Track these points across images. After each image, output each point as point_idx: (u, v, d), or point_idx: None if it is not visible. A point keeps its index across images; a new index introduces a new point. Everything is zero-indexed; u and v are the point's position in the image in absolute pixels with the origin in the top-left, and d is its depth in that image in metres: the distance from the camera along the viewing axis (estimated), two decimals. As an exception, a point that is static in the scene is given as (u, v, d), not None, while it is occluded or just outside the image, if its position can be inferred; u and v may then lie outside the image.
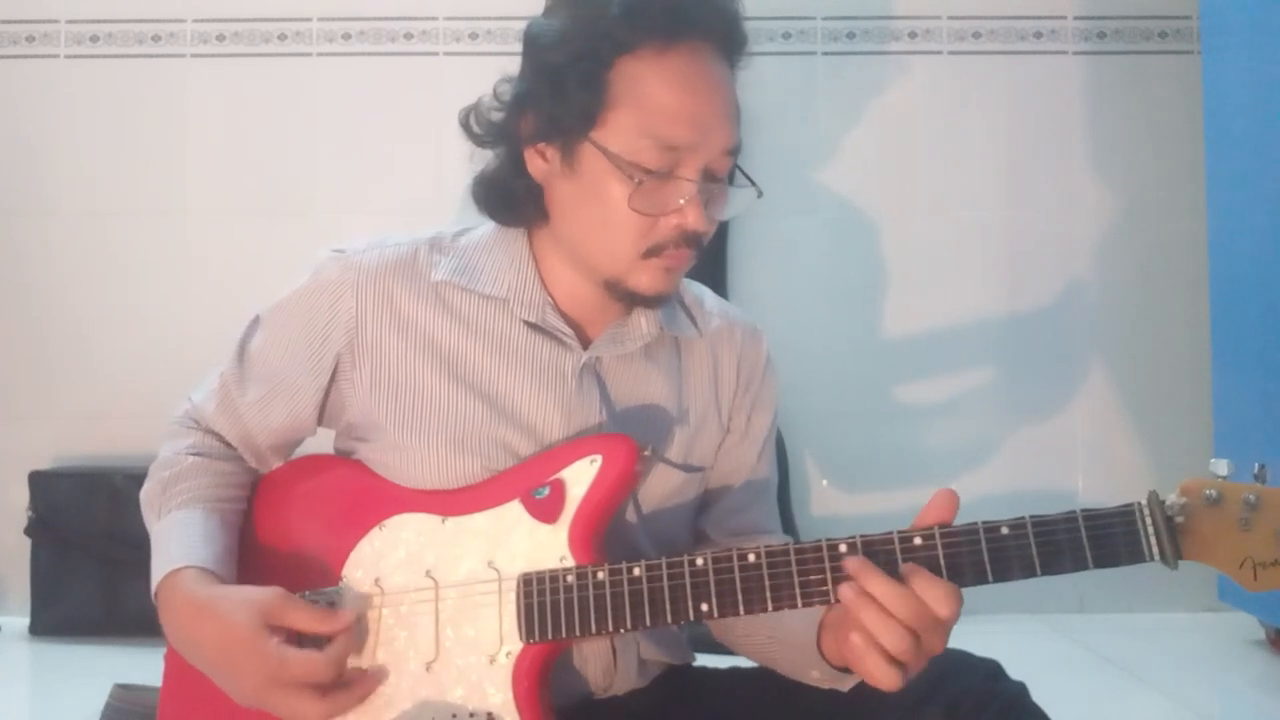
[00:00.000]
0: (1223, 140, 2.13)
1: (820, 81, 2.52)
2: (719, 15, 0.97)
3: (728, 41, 0.98)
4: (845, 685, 0.94)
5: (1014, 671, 0.97)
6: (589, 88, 0.94)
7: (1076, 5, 2.52)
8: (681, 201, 0.95)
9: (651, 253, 0.97)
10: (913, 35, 2.52)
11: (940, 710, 0.93)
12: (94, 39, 2.49)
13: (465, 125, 1.05)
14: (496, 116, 1.03)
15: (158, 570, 0.97)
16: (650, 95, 0.93)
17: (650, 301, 1.01)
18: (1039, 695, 0.96)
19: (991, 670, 0.97)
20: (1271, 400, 1.95)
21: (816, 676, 0.95)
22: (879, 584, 0.82)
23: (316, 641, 0.92)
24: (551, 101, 0.96)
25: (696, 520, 1.12)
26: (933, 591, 0.82)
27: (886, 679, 0.82)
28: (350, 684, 0.92)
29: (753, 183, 1.01)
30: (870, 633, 0.82)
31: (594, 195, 0.96)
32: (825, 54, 2.52)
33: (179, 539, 0.98)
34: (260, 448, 1.09)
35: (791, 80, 2.51)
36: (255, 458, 1.09)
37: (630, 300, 1.01)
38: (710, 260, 2.39)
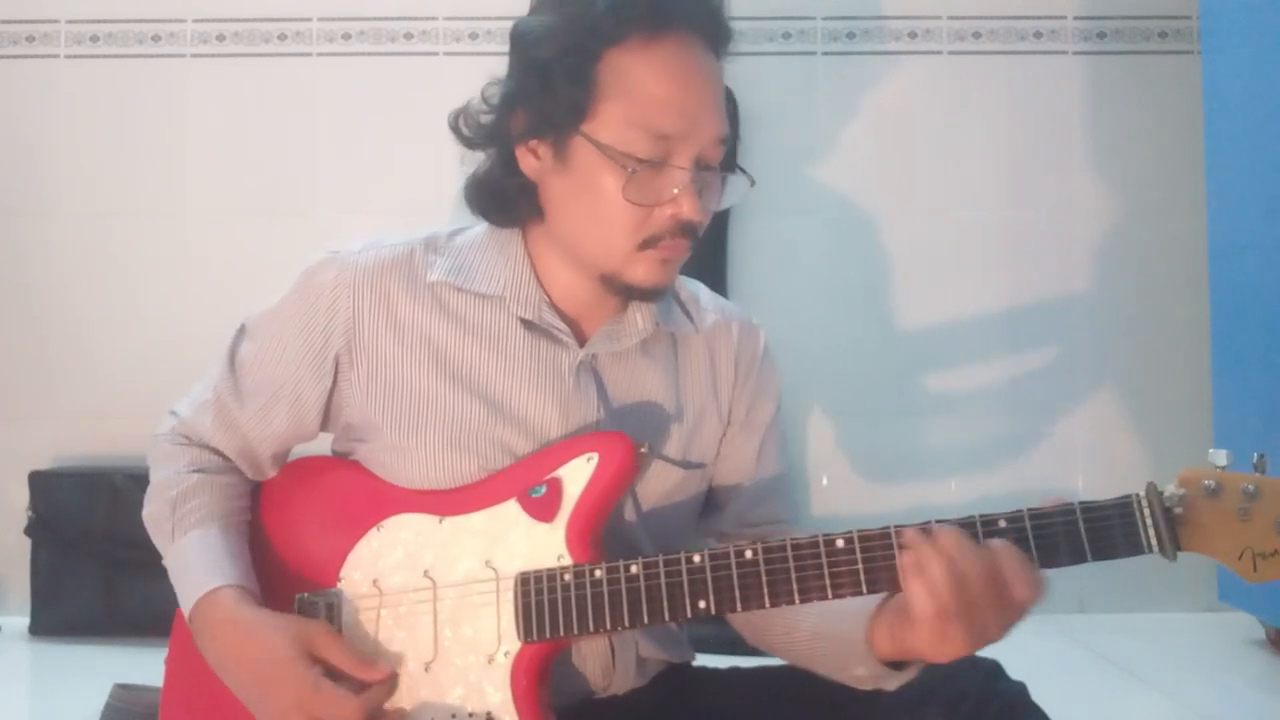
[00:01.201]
0: (1223, 140, 2.13)
1: (820, 81, 2.52)
2: (703, 6, 0.98)
3: (713, 33, 0.99)
4: (891, 684, 0.92)
5: (1014, 671, 0.97)
6: (578, 81, 0.94)
7: (1076, 5, 2.51)
8: (675, 191, 0.95)
9: (647, 244, 0.97)
10: (912, 35, 2.52)
11: (940, 710, 0.93)
12: (94, 39, 2.49)
13: (455, 128, 1.05)
14: (486, 119, 1.03)
15: (192, 592, 0.97)
16: (639, 85, 0.94)
17: (648, 294, 1.00)
18: (1039, 695, 0.95)
19: (991, 670, 0.96)
20: (1271, 400, 1.94)
21: (861, 674, 0.92)
22: (949, 531, 0.82)
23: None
24: (541, 97, 0.96)
25: (712, 523, 1.12)
26: (1017, 571, 0.81)
27: (921, 602, 0.81)
28: None
29: (744, 171, 1.01)
30: (920, 561, 0.82)
31: (587, 189, 0.96)
32: (825, 54, 2.52)
33: (203, 559, 0.99)
34: (260, 458, 1.08)
35: (791, 80, 2.50)
36: (253, 469, 1.09)
37: (627, 294, 1.01)
38: (710, 259, 2.38)
